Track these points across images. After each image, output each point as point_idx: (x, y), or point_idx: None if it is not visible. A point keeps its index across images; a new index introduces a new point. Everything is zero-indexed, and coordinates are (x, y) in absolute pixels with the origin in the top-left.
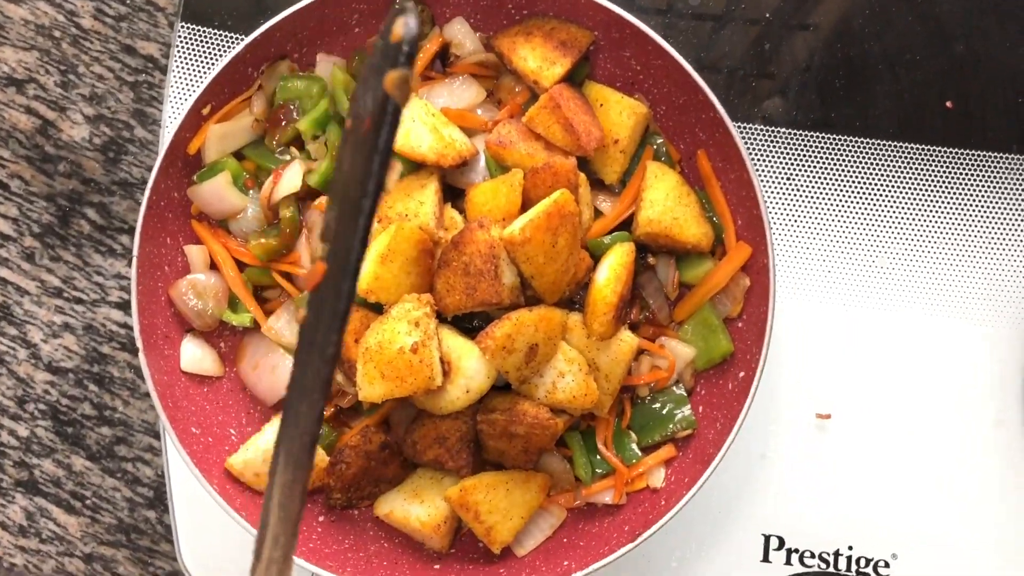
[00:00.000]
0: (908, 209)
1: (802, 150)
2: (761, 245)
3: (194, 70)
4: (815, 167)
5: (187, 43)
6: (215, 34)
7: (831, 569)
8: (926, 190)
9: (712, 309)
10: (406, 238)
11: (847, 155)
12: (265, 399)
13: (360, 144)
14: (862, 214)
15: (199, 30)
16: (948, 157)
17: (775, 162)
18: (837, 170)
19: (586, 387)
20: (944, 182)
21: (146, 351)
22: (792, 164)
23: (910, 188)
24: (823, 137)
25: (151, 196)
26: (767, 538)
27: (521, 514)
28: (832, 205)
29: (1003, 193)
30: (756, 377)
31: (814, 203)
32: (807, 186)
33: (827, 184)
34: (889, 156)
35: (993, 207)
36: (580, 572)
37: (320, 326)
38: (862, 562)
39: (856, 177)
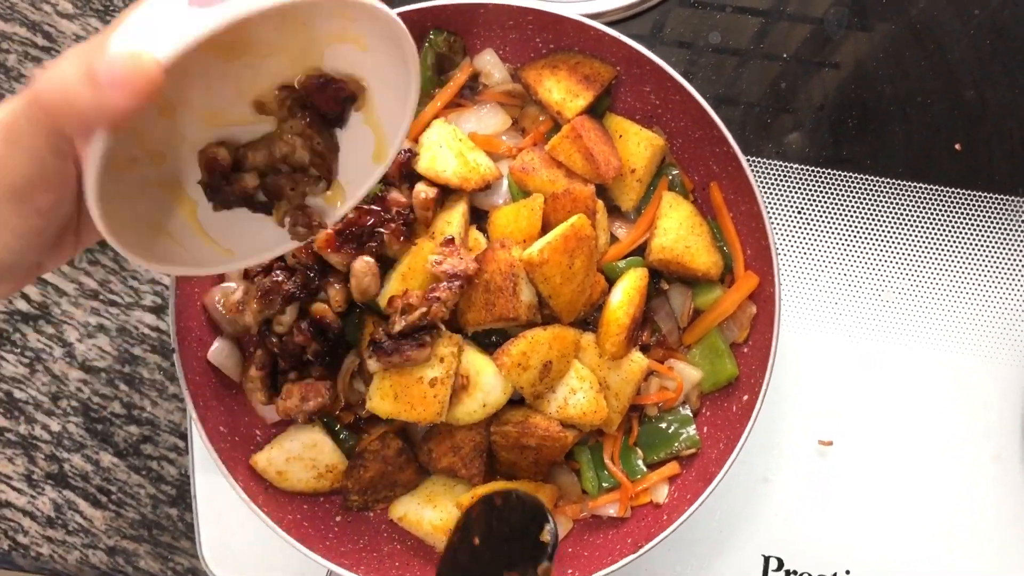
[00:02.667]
0: (914, 246)
1: (814, 185)
2: (768, 275)
3: None
4: (826, 202)
5: None
6: None
7: None
8: (933, 228)
9: (719, 334)
10: (424, 257)
11: (857, 192)
12: (264, 416)
13: None
14: (870, 249)
15: None
16: (955, 197)
17: (787, 196)
18: (847, 206)
19: (596, 404)
20: (950, 221)
21: (181, 351)
22: (804, 199)
23: (917, 226)
24: (835, 174)
25: None
26: (767, 559)
27: None
28: (841, 239)
29: (1007, 233)
30: (759, 400)
31: (823, 237)
32: (817, 220)
33: (837, 219)
34: (898, 195)
35: (997, 246)
36: None
37: None
38: None
39: (865, 213)
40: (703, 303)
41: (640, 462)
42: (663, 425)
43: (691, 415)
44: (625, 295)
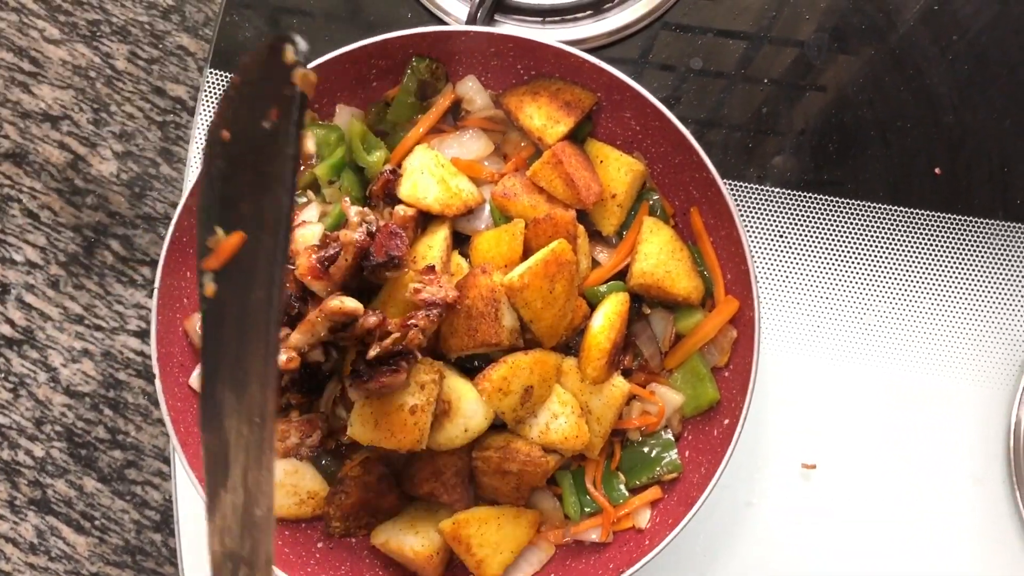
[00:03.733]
0: (895, 269)
1: (795, 209)
2: (748, 299)
3: None
4: (807, 226)
5: (215, 88)
6: None
7: None
8: (913, 252)
9: (701, 359)
10: (405, 285)
11: (838, 216)
12: None
13: (268, 133)
14: (850, 272)
15: (227, 76)
16: (935, 221)
17: (768, 220)
18: (828, 230)
19: (578, 429)
20: (930, 245)
21: (162, 378)
22: (784, 222)
23: (897, 249)
24: (815, 198)
25: (175, 231)
26: None
27: (511, 548)
28: (822, 263)
29: (987, 257)
30: (739, 424)
31: (804, 260)
32: (798, 244)
33: (818, 243)
34: (878, 218)
35: (977, 270)
36: None
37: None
38: None
39: (846, 237)
40: (684, 327)
41: (622, 486)
42: (645, 449)
43: (673, 439)
44: (606, 320)
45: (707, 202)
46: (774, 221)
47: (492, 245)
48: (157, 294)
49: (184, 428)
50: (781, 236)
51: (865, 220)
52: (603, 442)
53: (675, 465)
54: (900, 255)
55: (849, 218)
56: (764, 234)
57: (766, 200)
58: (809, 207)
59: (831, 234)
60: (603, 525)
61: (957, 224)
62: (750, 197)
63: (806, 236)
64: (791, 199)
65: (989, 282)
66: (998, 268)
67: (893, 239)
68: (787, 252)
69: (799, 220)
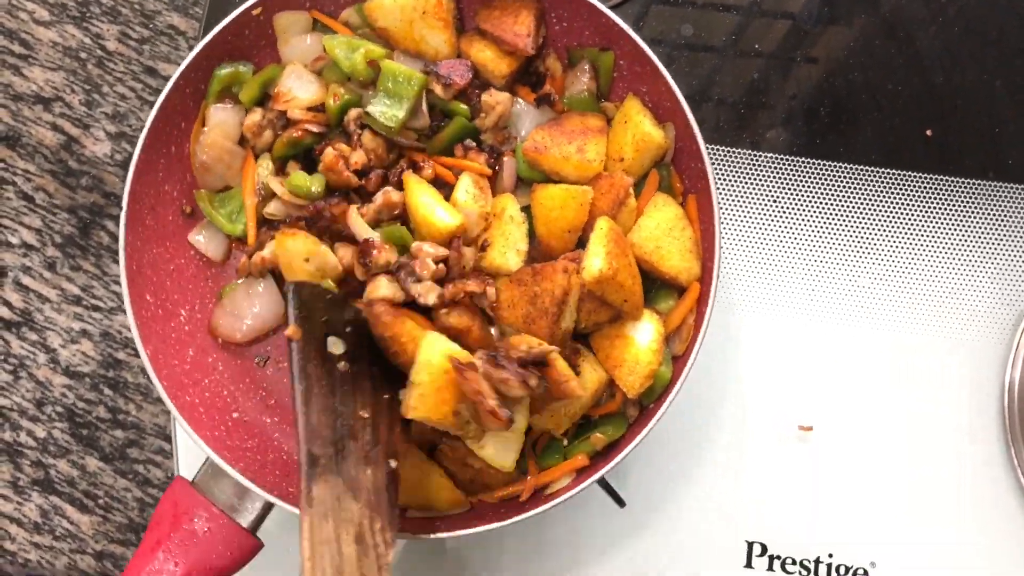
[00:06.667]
0: (888, 231)
1: (788, 174)
2: (710, 250)
3: None
4: (800, 190)
5: None
6: None
7: None
8: (905, 213)
9: (666, 347)
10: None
11: (831, 179)
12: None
13: None
14: (844, 235)
15: None
16: (927, 183)
17: (762, 185)
18: (821, 193)
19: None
20: (922, 206)
21: (146, 347)
22: (778, 187)
23: (890, 211)
24: (808, 162)
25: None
26: (750, 545)
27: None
28: (816, 226)
29: (979, 217)
30: (675, 391)
31: (799, 224)
32: (792, 208)
33: (811, 206)
34: (870, 181)
35: (969, 230)
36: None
37: None
38: (842, 569)
39: (839, 200)
40: (661, 310)
41: (561, 452)
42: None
43: (626, 422)
44: (657, 333)
45: (680, 155)
46: (768, 186)
47: (557, 205)
48: (124, 259)
49: (180, 392)
50: (775, 201)
51: (858, 183)
52: (571, 423)
53: (609, 435)
54: (892, 217)
55: (842, 181)
56: (758, 199)
57: (760, 165)
58: (802, 171)
59: (824, 197)
60: (525, 489)
61: (949, 185)
62: (744, 163)
63: (800, 200)
64: (784, 164)
65: (981, 242)
66: (990, 228)
67: (885, 201)
68: (781, 216)
69: (793, 184)
